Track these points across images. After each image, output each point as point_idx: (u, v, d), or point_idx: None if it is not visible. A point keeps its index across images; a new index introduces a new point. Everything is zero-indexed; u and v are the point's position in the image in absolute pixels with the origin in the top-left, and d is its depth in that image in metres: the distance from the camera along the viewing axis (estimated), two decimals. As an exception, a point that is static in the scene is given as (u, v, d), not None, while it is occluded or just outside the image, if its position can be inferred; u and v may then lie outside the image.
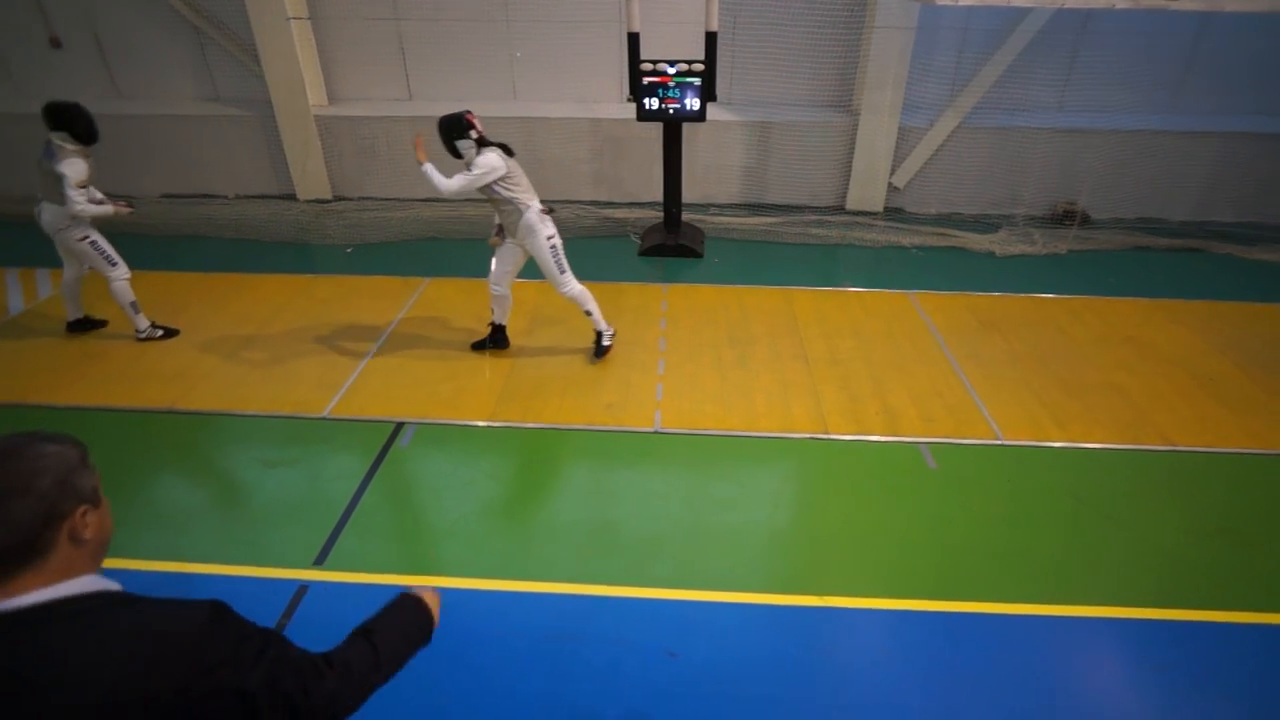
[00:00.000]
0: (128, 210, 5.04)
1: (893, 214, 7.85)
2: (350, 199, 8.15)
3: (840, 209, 7.91)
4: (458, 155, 4.55)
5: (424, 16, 7.59)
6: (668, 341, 5.35)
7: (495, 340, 5.20)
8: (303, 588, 3.30)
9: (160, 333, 5.40)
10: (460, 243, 7.23)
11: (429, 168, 4.45)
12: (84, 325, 5.48)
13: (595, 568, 3.45)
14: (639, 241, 7.13)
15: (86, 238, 5.00)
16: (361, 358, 5.15)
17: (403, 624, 1.52)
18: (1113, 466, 4.13)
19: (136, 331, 5.35)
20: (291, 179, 8.07)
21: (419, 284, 6.29)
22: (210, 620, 1.18)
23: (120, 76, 8.10)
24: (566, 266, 4.79)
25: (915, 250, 7.07)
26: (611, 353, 5.16)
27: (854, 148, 7.67)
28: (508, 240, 4.81)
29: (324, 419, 4.52)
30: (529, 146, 7.60)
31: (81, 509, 1.18)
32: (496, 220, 4.85)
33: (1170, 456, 4.19)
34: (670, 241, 6.81)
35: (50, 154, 4.74)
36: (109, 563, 1.26)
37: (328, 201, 8.09)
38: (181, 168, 8.12)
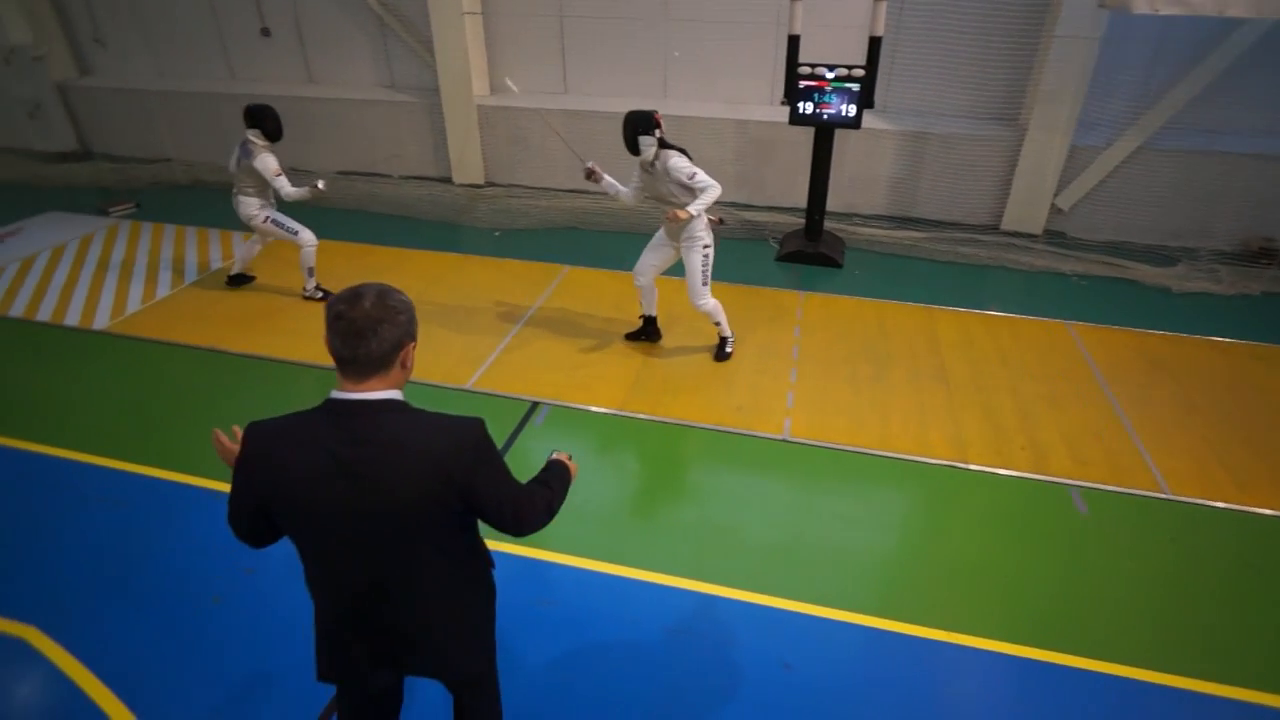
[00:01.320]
0: (321, 187, 5.50)
1: (1053, 237, 7.31)
2: (501, 185, 8.58)
3: (994, 228, 7.45)
4: (635, 150, 4.57)
5: (587, 13, 7.86)
6: (801, 350, 5.27)
7: (647, 333, 5.32)
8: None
9: (320, 294, 5.96)
10: (601, 234, 7.45)
11: (694, 207, 4.37)
12: (240, 280, 6.18)
13: (715, 567, 3.48)
14: (777, 246, 7.06)
15: (269, 219, 5.67)
16: (503, 337, 5.44)
17: (561, 482, 2.03)
18: (1302, 539, 3.67)
19: (304, 290, 5.95)
20: (450, 163, 8.61)
21: (560, 270, 6.55)
22: (484, 426, 1.72)
23: (314, 64, 8.96)
24: (709, 279, 4.79)
25: (1077, 278, 6.56)
26: (744, 356, 5.16)
27: (1016, 164, 7.19)
28: (665, 239, 4.90)
29: (466, 391, 4.82)
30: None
31: (413, 344, 1.69)
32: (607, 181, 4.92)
33: (1377, 537, 3.67)
34: (810, 249, 6.70)
35: (247, 153, 5.41)
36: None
37: (480, 186, 8.56)
38: (356, 148, 8.86)
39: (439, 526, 1.71)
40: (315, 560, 1.77)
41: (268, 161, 5.40)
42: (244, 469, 1.69)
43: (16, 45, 8.79)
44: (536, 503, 1.88)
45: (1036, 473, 4.09)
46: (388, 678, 1.90)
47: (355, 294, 1.60)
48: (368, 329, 1.57)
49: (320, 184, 5.48)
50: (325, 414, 1.63)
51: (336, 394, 1.64)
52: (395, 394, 1.66)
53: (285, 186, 5.42)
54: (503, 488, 1.77)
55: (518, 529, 1.84)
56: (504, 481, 1.77)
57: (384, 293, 1.61)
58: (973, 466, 4.15)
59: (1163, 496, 3.92)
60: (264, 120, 5.43)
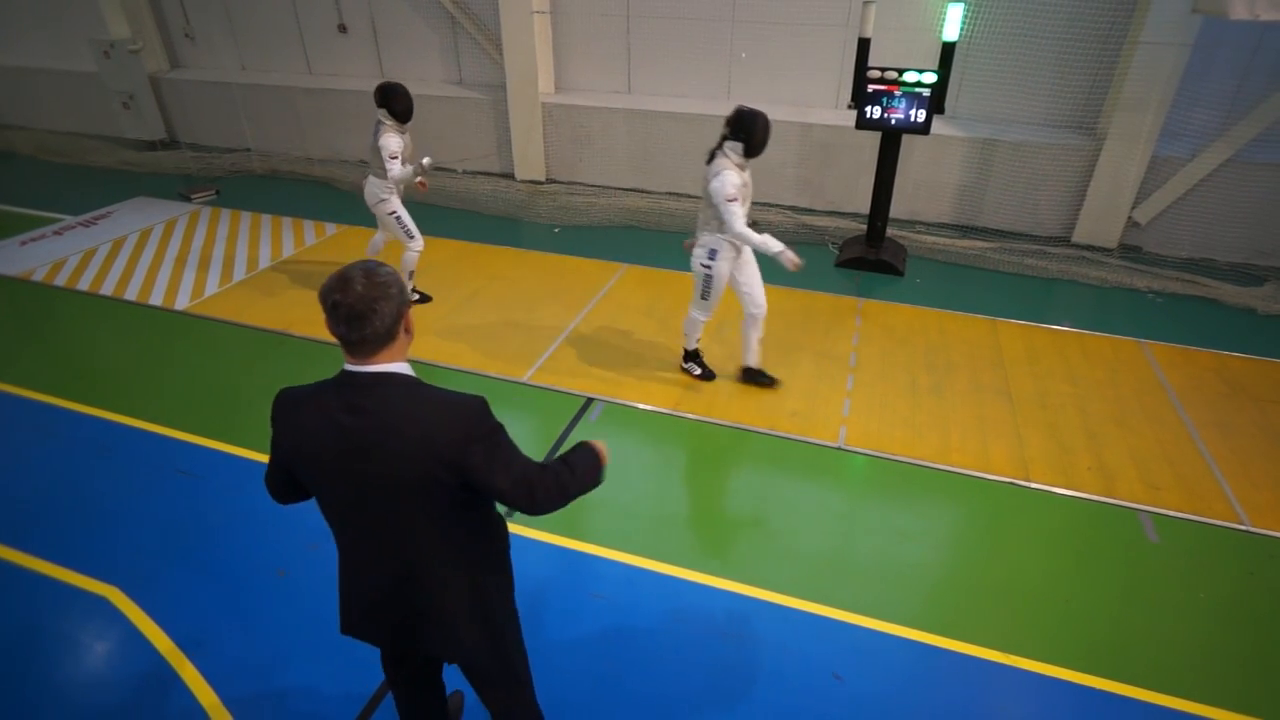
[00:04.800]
0: (426, 164, 5.24)
1: (1128, 252, 7.02)
2: (561, 182, 8.68)
3: (1065, 240, 7.19)
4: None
5: (654, 13, 7.89)
6: (859, 358, 5.19)
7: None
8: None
9: (416, 297, 5.97)
10: (658, 233, 7.47)
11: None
12: None
13: (764, 572, 3.46)
14: (837, 252, 6.96)
15: (393, 212, 5.50)
16: (560, 332, 5.51)
17: (585, 464, 1.97)
18: (1396, 582, 3.44)
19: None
20: (513, 159, 8.75)
21: (617, 269, 6.59)
22: (483, 405, 1.73)
23: (386, 59, 9.22)
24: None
25: (1153, 295, 6.28)
26: (800, 361, 5.11)
27: (1091, 175, 6.93)
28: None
29: (523, 384, 4.90)
30: (737, 147, 7.64)
31: (409, 309, 1.73)
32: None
33: None
34: (871, 255, 6.58)
35: (376, 130, 5.24)
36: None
37: (541, 183, 8.68)
38: (423, 143, 9.07)
39: (435, 501, 1.73)
40: (330, 519, 1.86)
41: (387, 142, 5.16)
42: (273, 429, 1.79)
43: (116, 40, 9.31)
44: (547, 481, 1.82)
45: (1103, 495, 3.95)
46: (400, 643, 1.96)
47: (344, 279, 1.62)
48: (366, 310, 1.60)
49: (426, 161, 5.24)
50: (335, 384, 1.71)
51: (348, 365, 1.71)
52: (402, 366, 1.72)
53: (394, 169, 5.22)
54: (507, 466, 1.74)
55: (531, 507, 1.81)
56: (507, 460, 1.74)
57: (370, 270, 1.63)
58: (1034, 485, 4.03)
59: (1241, 528, 3.73)
60: (391, 100, 5.17)
